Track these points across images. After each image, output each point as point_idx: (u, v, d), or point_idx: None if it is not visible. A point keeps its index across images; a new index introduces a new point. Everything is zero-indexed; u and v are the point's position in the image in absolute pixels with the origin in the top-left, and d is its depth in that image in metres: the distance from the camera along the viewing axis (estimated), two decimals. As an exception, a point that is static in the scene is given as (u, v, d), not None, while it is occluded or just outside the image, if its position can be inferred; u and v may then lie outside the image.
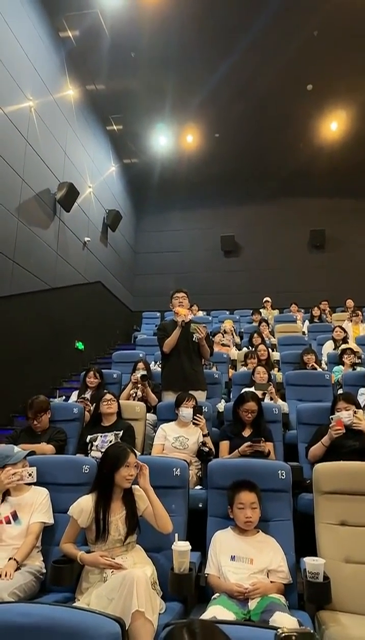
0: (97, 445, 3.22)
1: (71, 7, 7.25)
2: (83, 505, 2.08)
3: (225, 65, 8.17)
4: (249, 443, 2.88)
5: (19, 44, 6.32)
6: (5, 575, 2.02)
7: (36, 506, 2.32)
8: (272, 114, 9.54)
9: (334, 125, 9.99)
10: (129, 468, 2.11)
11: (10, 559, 2.12)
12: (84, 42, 7.84)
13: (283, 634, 1.03)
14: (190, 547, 1.90)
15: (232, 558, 2.00)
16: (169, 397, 3.66)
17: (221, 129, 10.25)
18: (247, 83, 8.67)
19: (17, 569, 2.10)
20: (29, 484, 2.39)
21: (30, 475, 2.34)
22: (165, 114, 9.71)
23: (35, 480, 2.36)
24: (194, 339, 3.70)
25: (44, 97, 7.12)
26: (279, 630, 1.05)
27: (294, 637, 1.03)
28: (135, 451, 2.28)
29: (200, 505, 2.50)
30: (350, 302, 8.54)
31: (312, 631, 1.19)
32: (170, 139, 10.67)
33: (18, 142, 6.33)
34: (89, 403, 3.83)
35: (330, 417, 2.92)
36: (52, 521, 2.34)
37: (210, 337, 4.56)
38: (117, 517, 2.08)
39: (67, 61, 8.01)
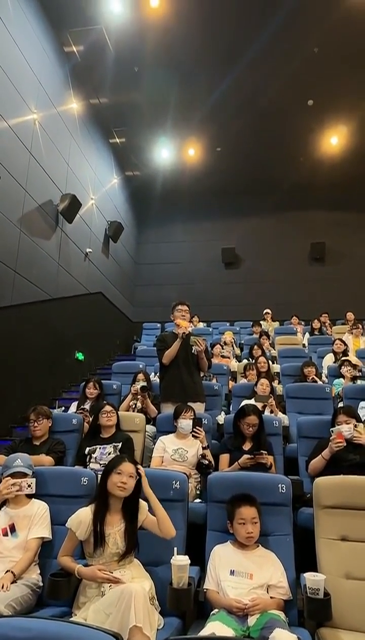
0: (95, 457, 3.20)
1: (76, 23, 7.39)
2: (82, 518, 2.05)
3: (227, 80, 8.31)
4: (249, 455, 2.86)
5: (24, 58, 6.43)
6: (2, 588, 1.99)
7: (35, 520, 2.30)
8: (273, 128, 9.66)
9: (334, 140, 10.11)
10: (121, 475, 2.07)
11: (7, 571, 2.10)
12: (88, 56, 7.97)
13: None
14: (189, 561, 1.88)
15: (232, 573, 1.97)
16: (168, 409, 3.64)
17: (223, 143, 10.37)
18: (249, 98, 8.80)
19: (14, 581, 2.08)
20: (29, 496, 2.37)
21: (29, 486, 2.33)
22: (168, 128, 9.84)
23: (34, 492, 2.35)
24: (193, 352, 3.72)
25: (48, 110, 7.22)
26: None
27: None
28: (137, 462, 2.26)
29: (200, 519, 2.48)
30: (350, 315, 8.56)
31: None
32: (172, 153, 10.79)
33: (22, 154, 6.40)
34: (88, 414, 3.81)
35: (331, 429, 2.91)
36: (50, 536, 2.31)
37: (210, 349, 4.56)
38: (116, 530, 2.05)
39: (71, 75, 8.14)
